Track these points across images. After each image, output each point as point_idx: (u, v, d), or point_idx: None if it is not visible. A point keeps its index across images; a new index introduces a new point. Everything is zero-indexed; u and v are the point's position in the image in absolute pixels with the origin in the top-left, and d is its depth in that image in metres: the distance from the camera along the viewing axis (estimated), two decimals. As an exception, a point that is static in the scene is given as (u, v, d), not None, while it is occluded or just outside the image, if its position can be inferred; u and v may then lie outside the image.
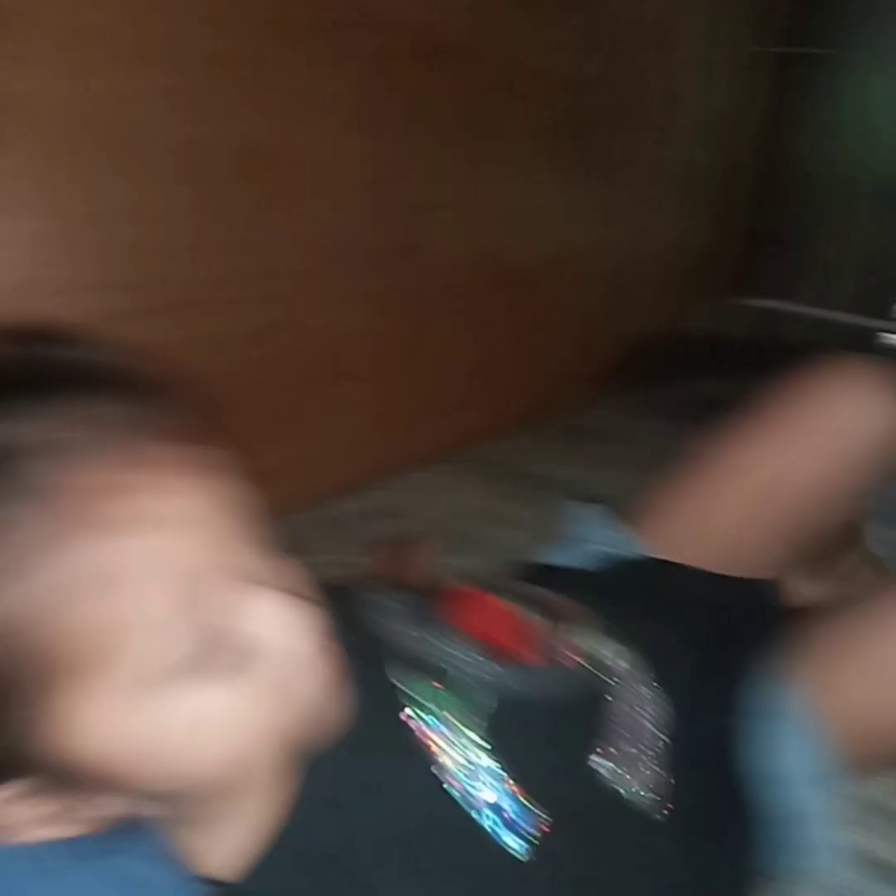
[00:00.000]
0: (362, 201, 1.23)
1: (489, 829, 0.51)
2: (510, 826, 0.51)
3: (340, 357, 1.28)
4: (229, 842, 0.49)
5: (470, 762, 0.52)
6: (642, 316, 2.01)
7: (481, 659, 0.57)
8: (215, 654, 0.40)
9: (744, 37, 2.00)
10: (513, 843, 0.51)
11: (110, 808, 0.43)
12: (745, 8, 1.99)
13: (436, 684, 0.54)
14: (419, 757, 0.52)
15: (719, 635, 0.72)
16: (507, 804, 0.51)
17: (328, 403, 1.26)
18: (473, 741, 0.53)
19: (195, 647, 0.39)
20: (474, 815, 0.51)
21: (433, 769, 0.52)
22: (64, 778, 0.41)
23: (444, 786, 0.51)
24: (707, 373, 1.88)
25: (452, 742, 0.52)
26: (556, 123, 1.55)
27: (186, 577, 0.39)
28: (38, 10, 0.82)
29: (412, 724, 0.53)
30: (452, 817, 0.51)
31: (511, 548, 1.22)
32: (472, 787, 0.51)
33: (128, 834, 0.46)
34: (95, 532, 0.37)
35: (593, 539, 0.85)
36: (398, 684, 0.54)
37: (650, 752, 0.58)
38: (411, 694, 0.53)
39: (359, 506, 1.31)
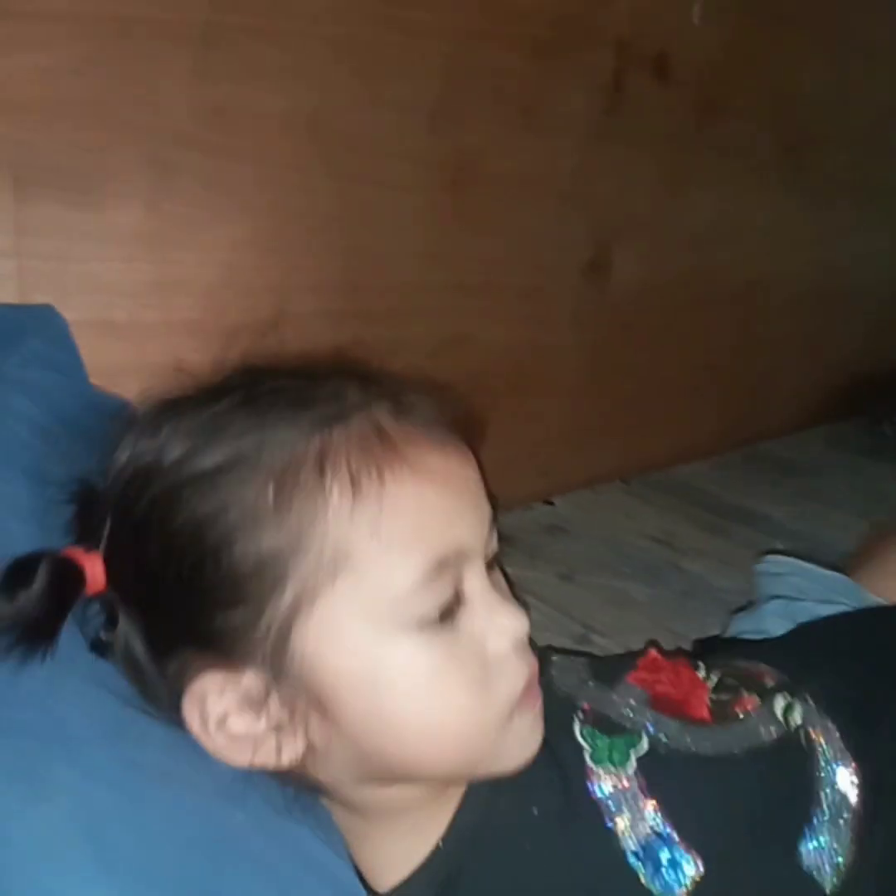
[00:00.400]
0: (562, 216, 1.23)
1: (642, 873, 0.50)
2: (664, 871, 0.50)
3: (527, 371, 1.28)
4: (385, 851, 0.52)
5: (630, 806, 0.52)
6: (859, 347, 1.90)
7: (651, 712, 0.56)
8: (444, 621, 0.45)
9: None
10: (665, 888, 0.50)
11: (301, 749, 0.46)
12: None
13: (610, 737, 0.55)
14: (591, 811, 0.52)
15: None
16: (662, 847, 0.51)
17: (512, 417, 1.26)
18: (633, 785, 0.53)
19: (434, 607, 0.45)
20: (630, 860, 0.51)
21: (595, 814, 0.52)
22: (283, 680, 0.45)
23: (605, 831, 0.51)
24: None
25: (617, 790, 0.53)
26: (769, 140, 1.49)
27: (453, 541, 0.46)
28: (275, 23, 0.86)
29: (588, 778, 0.53)
30: (610, 866, 0.51)
31: (688, 575, 1.19)
32: (631, 828, 0.51)
33: (308, 809, 0.48)
34: (400, 464, 0.45)
35: (799, 590, 0.81)
36: (579, 739, 0.54)
37: (831, 824, 0.54)
38: (586, 747, 0.54)
39: (531, 520, 1.31)
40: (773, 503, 1.45)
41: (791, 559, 0.85)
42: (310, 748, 0.47)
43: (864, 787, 0.55)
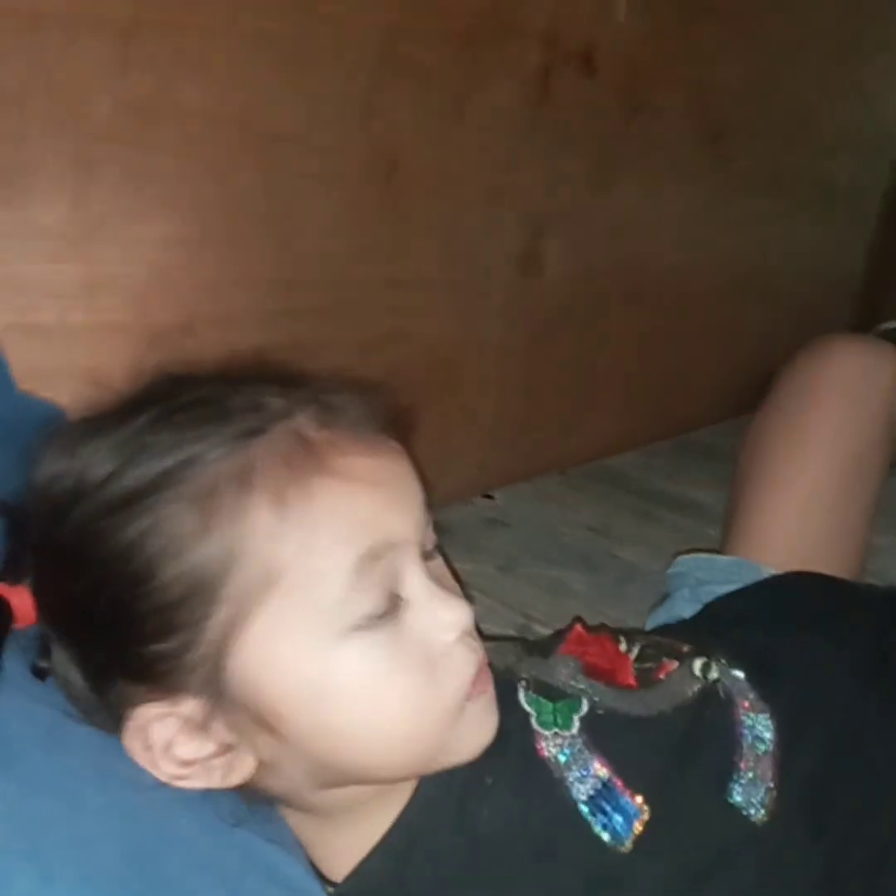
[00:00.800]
0: (492, 209, 1.23)
1: (593, 822, 0.53)
2: (612, 818, 0.53)
3: (460, 367, 1.28)
4: (341, 840, 0.52)
5: (577, 761, 0.55)
6: (782, 335, 1.94)
7: (585, 679, 0.59)
8: (383, 621, 0.45)
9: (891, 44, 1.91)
10: (614, 834, 0.53)
11: (253, 766, 0.46)
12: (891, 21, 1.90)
13: (553, 702, 0.57)
14: (541, 769, 0.54)
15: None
16: (608, 796, 0.54)
17: (447, 413, 1.27)
18: (578, 742, 0.55)
19: (370, 607, 0.44)
20: (581, 808, 0.53)
21: (545, 772, 0.54)
22: (225, 703, 0.44)
23: (556, 785, 0.54)
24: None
25: (564, 748, 0.55)
26: (691, 133, 1.52)
27: (384, 538, 0.45)
28: (197, 17, 0.85)
29: (536, 740, 0.55)
30: (562, 817, 0.53)
31: (623, 563, 1.21)
32: (579, 781, 0.54)
33: (257, 812, 0.48)
34: (324, 474, 0.44)
35: (704, 579, 0.85)
36: (524, 706, 0.56)
37: (751, 763, 0.58)
38: (532, 712, 0.56)
39: (470, 514, 1.32)
40: (703, 490, 1.48)
41: (694, 555, 0.89)
42: (261, 764, 0.47)
43: (779, 730, 0.60)
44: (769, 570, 0.83)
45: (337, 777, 0.48)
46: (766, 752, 0.59)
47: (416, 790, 0.52)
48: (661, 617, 0.87)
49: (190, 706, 0.45)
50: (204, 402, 0.46)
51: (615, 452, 1.60)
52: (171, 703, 0.45)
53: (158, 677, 0.44)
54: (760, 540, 0.85)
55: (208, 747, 0.45)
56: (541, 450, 1.48)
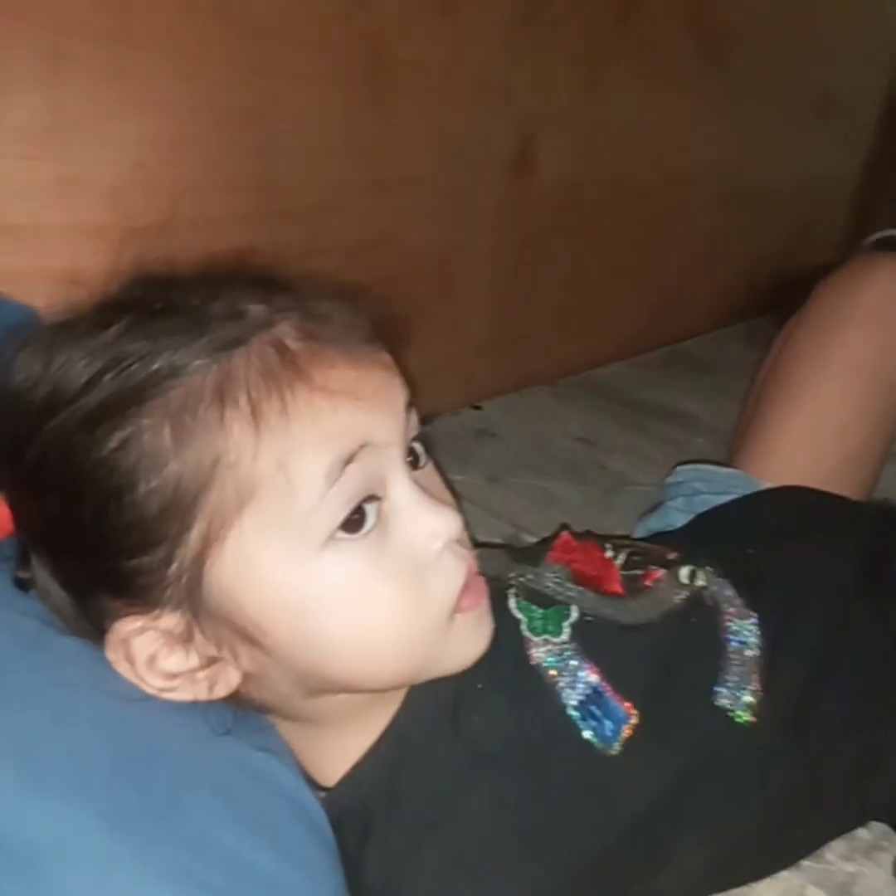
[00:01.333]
0: (484, 109, 1.19)
1: (583, 727, 0.54)
2: (601, 723, 0.54)
3: (449, 274, 1.25)
4: (334, 746, 0.52)
5: (567, 667, 0.55)
6: (775, 245, 1.92)
7: (574, 586, 0.60)
8: (367, 531, 0.44)
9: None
10: (603, 738, 0.54)
11: (238, 678, 0.46)
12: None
13: (543, 609, 0.58)
14: (531, 675, 0.55)
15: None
16: (598, 701, 0.55)
17: (436, 322, 1.24)
18: (569, 649, 0.56)
19: (348, 512, 0.43)
20: (571, 713, 0.54)
21: (536, 678, 0.55)
22: (205, 617, 0.44)
23: (546, 691, 0.54)
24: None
25: (554, 655, 0.56)
26: (687, 36, 1.46)
27: (360, 442, 0.44)
28: None
29: (527, 647, 0.56)
30: (553, 722, 0.54)
31: (611, 473, 1.21)
32: (570, 687, 0.55)
33: (247, 722, 0.48)
34: (303, 387, 0.43)
35: (701, 489, 0.85)
36: (515, 612, 0.57)
37: (737, 668, 0.60)
38: (522, 619, 0.57)
39: (459, 425, 1.31)
40: (692, 400, 1.48)
41: (694, 466, 0.88)
42: (247, 676, 0.46)
43: (765, 636, 0.61)
44: (767, 485, 0.82)
45: (325, 686, 0.48)
46: (751, 658, 0.60)
47: (407, 697, 0.52)
48: (653, 524, 0.87)
49: (170, 620, 0.44)
50: (182, 308, 0.45)
51: (605, 363, 1.59)
52: (151, 616, 0.44)
53: (138, 591, 0.44)
54: (767, 455, 0.84)
55: (192, 660, 0.45)
56: (530, 360, 1.47)
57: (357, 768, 0.52)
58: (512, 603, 0.58)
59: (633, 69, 1.39)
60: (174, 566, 0.43)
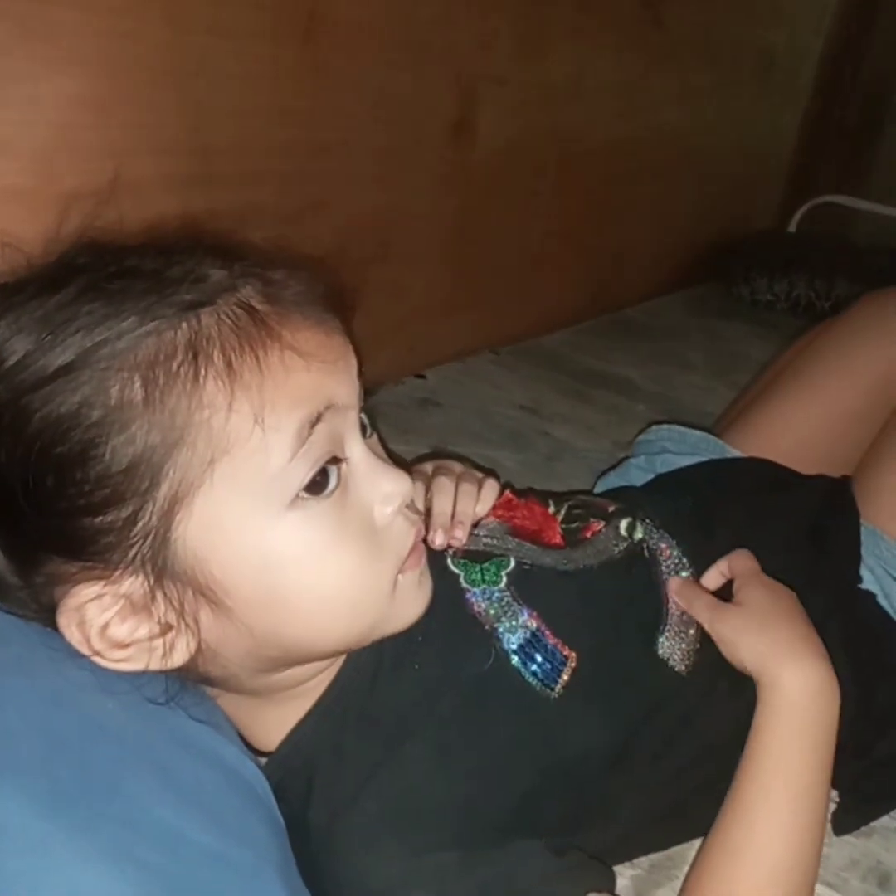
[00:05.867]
0: (422, 70, 1.17)
1: (523, 670, 0.55)
2: (541, 666, 0.56)
3: (390, 239, 1.24)
4: (275, 713, 0.53)
5: (506, 613, 0.57)
6: (715, 210, 1.93)
7: (512, 540, 0.62)
8: (328, 494, 0.45)
9: None
10: (543, 681, 0.55)
11: (192, 648, 0.45)
12: None
13: (480, 564, 0.59)
14: (471, 622, 0.56)
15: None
16: (537, 644, 0.56)
17: (377, 289, 1.23)
18: (507, 595, 0.57)
19: (314, 471, 0.44)
20: (512, 657, 0.55)
21: (475, 626, 0.56)
22: (167, 578, 0.43)
23: (486, 637, 0.56)
24: (787, 274, 1.82)
25: (493, 602, 0.57)
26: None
27: (325, 403, 0.44)
28: None
29: (466, 597, 0.57)
30: (494, 667, 0.55)
31: (554, 440, 1.22)
32: (509, 631, 0.56)
33: (183, 694, 0.48)
34: (275, 345, 0.43)
35: (668, 448, 0.87)
36: (452, 568, 0.59)
37: (675, 619, 0.62)
38: (459, 573, 0.58)
39: (402, 394, 1.30)
40: (633, 368, 1.49)
41: (668, 427, 0.89)
42: (200, 650, 0.46)
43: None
44: (735, 453, 0.84)
45: (277, 657, 0.48)
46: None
47: (348, 656, 0.53)
48: (612, 481, 0.89)
49: (129, 584, 0.43)
50: (139, 272, 0.44)
51: (548, 331, 1.59)
52: (108, 581, 0.43)
53: (99, 552, 0.42)
54: (755, 435, 0.86)
55: (145, 628, 0.44)
56: (473, 328, 1.46)
57: (299, 727, 0.52)
58: (448, 560, 0.59)
59: (573, 30, 1.38)
60: (139, 524, 0.42)
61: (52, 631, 0.44)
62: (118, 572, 0.43)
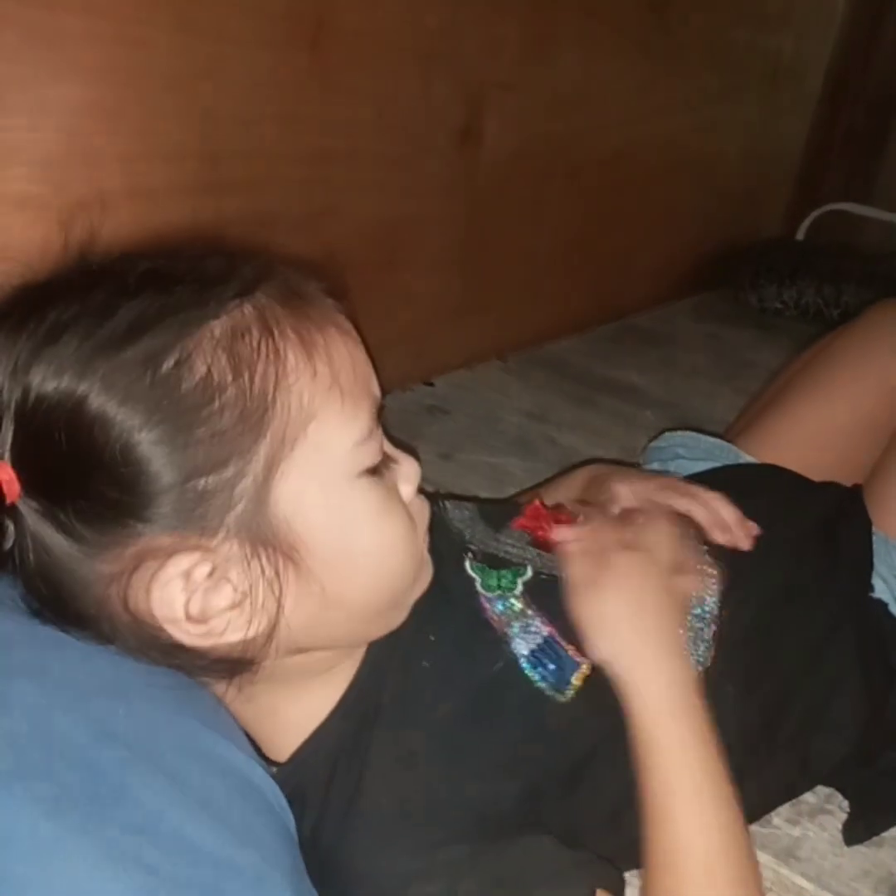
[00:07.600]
0: (429, 78, 1.17)
1: (534, 675, 0.56)
2: (552, 671, 0.56)
3: (397, 246, 1.24)
4: (292, 712, 0.53)
5: (519, 619, 0.57)
6: (722, 217, 1.93)
7: (533, 550, 0.62)
8: (380, 468, 0.48)
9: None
10: (554, 685, 0.56)
11: (254, 626, 0.46)
12: None
13: (498, 570, 0.60)
14: (484, 627, 0.57)
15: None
16: (549, 650, 0.56)
17: (384, 295, 1.23)
18: (521, 602, 0.58)
19: (376, 451, 0.48)
20: (523, 663, 0.56)
21: (488, 630, 0.57)
22: (257, 540, 0.45)
23: (498, 641, 0.56)
24: (795, 281, 1.82)
25: (507, 608, 0.58)
26: (631, 2, 1.46)
27: (377, 390, 0.49)
28: None
29: (480, 602, 0.58)
30: (504, 669, 0.55)
31: (561, 448, 1.21)
32: (521, 637, 0.57)
33: (197, 701, 0.48)
34: (332, 328, 0.47)
35: (682, 454, 0.87)
36: (469, 572, 0.59)
37: (692, 622, 0.61)
38: (476, 577, 0.59)
39: (411, 401, 1.30)
40: (641, 374, 1.49)
41: (681, 433, 0.90)
42: (278, 614, 0.46)
43: (724, 599, 0.63)
44: (748, 459, 0.84)
45: (334, 623, 0.49)
46: (705, 611, 0.62)
47: (366, 655, 0.54)
48: None
49: (227, 549, 0.44)
50: (171, 270, 0.45)
51: (556, 338, 1.59)
52: (206, 550, 0.44)
53: (201, 517, 0.43)
54: (768, 440, 0.86)
55: (234, 596, 0.45)
56: (480, 335, 1.46)
57: (323, 728, 0.52)
58: (467, 564, 0.60)
59: (580, 37, 1.38)
60: (241, 484, 0.43)
61: (61, 634, 0.44)
62: (215, 539, 0.44)
